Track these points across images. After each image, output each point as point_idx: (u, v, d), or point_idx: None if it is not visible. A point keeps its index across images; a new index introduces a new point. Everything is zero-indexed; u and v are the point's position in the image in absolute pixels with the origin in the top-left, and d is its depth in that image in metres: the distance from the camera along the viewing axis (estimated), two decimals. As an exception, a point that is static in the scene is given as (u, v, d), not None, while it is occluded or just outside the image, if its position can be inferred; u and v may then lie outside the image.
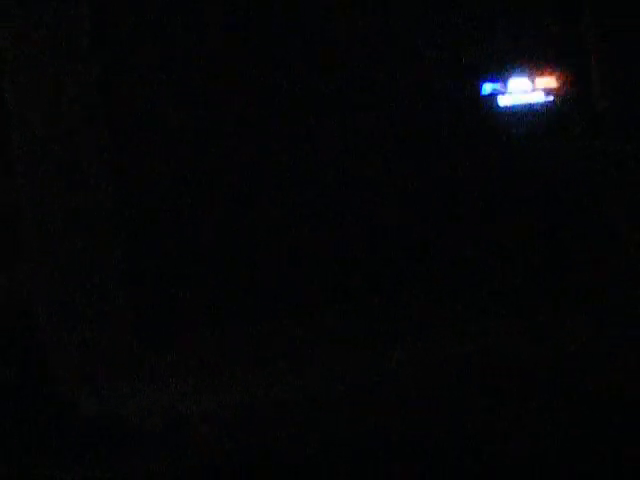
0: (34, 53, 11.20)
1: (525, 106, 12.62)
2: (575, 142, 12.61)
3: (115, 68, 11.69)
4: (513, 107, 12.60)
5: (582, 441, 6.46)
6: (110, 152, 11.45)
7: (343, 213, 11.97)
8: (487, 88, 12.55)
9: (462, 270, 11.89)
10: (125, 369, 10.85)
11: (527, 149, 12.52)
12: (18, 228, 11.18)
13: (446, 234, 12.07)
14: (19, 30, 11.18)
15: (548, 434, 6.71)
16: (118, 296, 11.28)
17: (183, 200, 11.74)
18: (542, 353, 9.27)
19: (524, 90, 12.62)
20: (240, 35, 11.92)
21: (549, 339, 9.81)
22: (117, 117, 11.64)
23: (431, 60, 12.22)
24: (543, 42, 12.61)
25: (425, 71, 12.23)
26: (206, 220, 11.77)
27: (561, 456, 6.26)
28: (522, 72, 12.60)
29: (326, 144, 11.99)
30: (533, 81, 12.63)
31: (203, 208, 11.77)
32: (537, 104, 12.64)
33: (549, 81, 12.66)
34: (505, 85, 12.58)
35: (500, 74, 12.56)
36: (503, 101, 12.58)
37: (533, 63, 12.60)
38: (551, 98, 12.65)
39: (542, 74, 12.62)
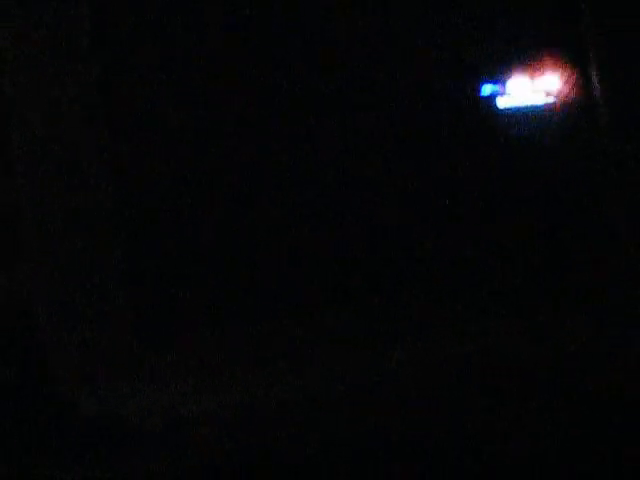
0: (34, 53, 11.21)
1: (524, 107, 12.63)
2: (575, 142, 12.61)
3: (115, 68, 11.69)
4: (512, 108, 12.61)
5: (582, 441, 6.47)
6: (110, 152, 11.45)
7: (343, 213, 11.97)
8: (486, 89, 12.55)
9: (462, 270, 11.90)
10: (125, 369, 10.86)
11: (527, 149, 12.52)
12: (18, 228, 11.18)
13: (446, 234, 12.08)
14: (19, 30, 11.18)
15: (548, 434, 6.72)
16: (118, 296, 11.28)
17: (183, 200, 11.74)
18: (542, 353, 9.27)
19: (523, 91, 12.62)
20: (240, 35, 11.93)
21: (549, 339, 9.81)
22: (117, 117, 11.65)
23: (431, 60, 12.22)
24: (543, 43, 12.61)
25: (425, 71, 12.24)
26: (206, 220, 11.77)
27: (561, 456, 6.26)
28: (521, 73, 12.60)
29: (326, 144, 11.99)
30: (532, 82, 12.63)
31: (203, 208, 11.77)
32: (536, 105, 12.65)
33: (549, 82, 12.66)
34: (504, 86, 12.59)
35: (499, 75, 12.57)
36: (502, 102, 12.59)
37: (532, 64, 12.61)
38: (551, 99, 12.66)
39: (542, 75, 12.63)
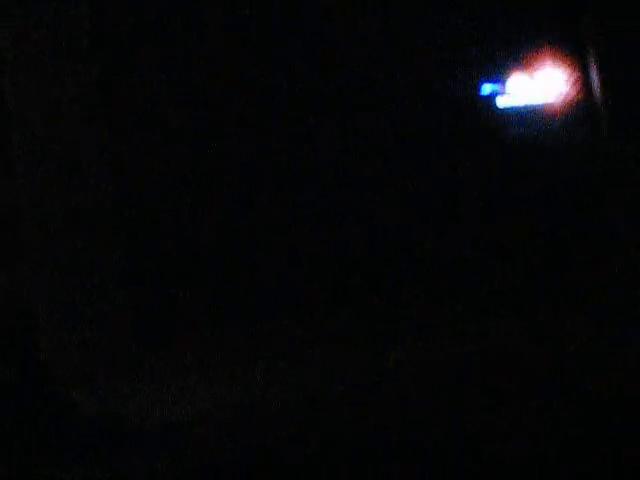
0: (34, 53, 11.21)
1: (524, 106, 12.63)
2: (575, 142, 12.61)
3: (115, 68, 11.69)
4: (512, 108, 12.61)
5: (582, 441, 6.47)
6: (110, 152, 11.46)
7: (343, 213, 11.97)
8: (486, 88, 12.55)
9: (462, 270, 11.90)
10: (125, 369, 10.86)
11: (526, 149, 12.52)
12: (18, 228, 11.18)
13: (446, 234, 12.08)
14: (19, 30, 11.19)
15: (548, 434, 6.72)
16: (118, 296, 11.29)
17: (183, 200, 11.74)
18: (542, 353, 9.27)
19: (523, 90, 12.62)
20: (240, 35, 11.93)
21: (549, 339, 9.81)
22: (117, 117, 11.65)
23: (431, 60, 12.22)
24: (543, 42, 12.61)
25: (425, 71, 12.24)
26: (206, 220, 11.77)
27: (561, 456, 6.26)
28: (521, 72, 12.60)
29: (326, 144, 11.99)
30: (532, 82, 12.63)
31: (203, 208, 11.78)
32: (536, 105, 12.65)
33: (548, 81, 12.66)
34: (504, 85, 12.58)
35: (499, 75, 12.56)
36: (502, 102, 12.59)
37: (532, 64, 12.61)
38: (550, 99, 12.66)
39: (541, 75, 12.63)
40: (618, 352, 8.67)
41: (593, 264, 11.75)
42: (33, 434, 8.26)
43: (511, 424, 7.07)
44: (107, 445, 7.88)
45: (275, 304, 11.56)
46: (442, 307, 11.42)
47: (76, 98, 11.27)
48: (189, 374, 10.38)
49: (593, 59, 12.58)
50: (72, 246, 11.15)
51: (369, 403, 8.32)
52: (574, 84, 12.67)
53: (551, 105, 12.65)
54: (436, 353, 9.83)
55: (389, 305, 11.58)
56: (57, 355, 10.65)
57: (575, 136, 12.63)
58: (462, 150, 12.27)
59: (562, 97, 12.66)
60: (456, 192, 12.23)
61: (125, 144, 11.64)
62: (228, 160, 11.85)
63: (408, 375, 9.09)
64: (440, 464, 6.37)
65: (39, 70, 11.19)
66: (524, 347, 9.67)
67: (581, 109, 12.68)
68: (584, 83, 12.65)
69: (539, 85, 12.63)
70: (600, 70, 12.54)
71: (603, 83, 12.52)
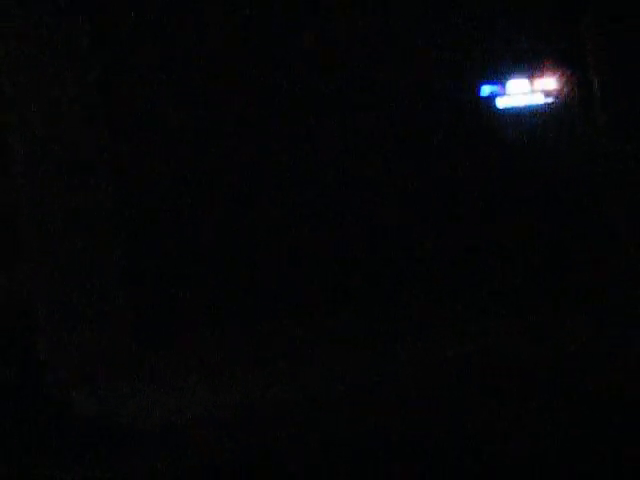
0: (34, 53, 11.20)
1: (524, 107, 12.62)
2: (575, 142, 12.61)
3: (115, 68, 11.69)
4: (512, 108, 12.61)
5: (582, 441, 6.47)
6: (110, 152, 11.45)
7: (343, 213, 11.97)
8: (486, 89, 12.55)
9: (462, 270, 11.90)
10: (125, 369, 10.85)
11: (526, 150, 12.52)
12: (18, 228, 11.18)
13: (446, 234, 12.08)
14: (19, 30, 11.18)
15: (548, 434, 6.72)
16: (118, 296, 11.28)
17: (183, 200, 11.74)
18: (542, 353, 9.27)
19: (523, 92, 12.62)
20: (240, 35, 11.92)
21: (549, 339, 9.81)
22: (117, 117, 11.64)
23: (431, 60, 12.22)
24: (542, 43, 12.61)
25: (425, 71, 12.24)
26: (206, 220, 11.77)
27: (561, 456, 6.26)
28: (521, 73, 12.60)
29: (326, 144, 11.99)
30: (532, 82, 12.63)
31: (203, 208, 11.77)
32: (536, 105, 12.65)
33: (548, 82, 12.66)
34: (504, 86, 12.58)
35: (499, 75, 12.56)
36: (502, 102, 12.58)
37: (532, 64, 12.60)
38: (550, 99, 12.66)
39: (541, 75, 12.63)
40: (618, 352, 8.67)
41: (593, 264, 11.75)
42: (33, 434, 8.26)
43: (511, 424, 7.06)
44: (107, 445, 7.88)
45: (275, 304, 11.56)
46: (442, 307, 11.42)
47: (76, 98, 11.26)
48: (189, 374, 10.37)
49: (592, 60, 12.58)
50: (72, 246, 11.14)
51: (369, 403, 8.32)
52: (573, 84, 12.67)
53: (551, 106, 12.65)
54: (436, 353, 9.83)
55: (389, 305, 11.57)
56: (57, 355, 10.64)
57: (575, 136, 12.63)
58: (462, 150, 12.27)
59: (562, 97, 12.66)
60: (456, 192, 12.23)
61: (125, 144, 11.64)
62: (228, 160, 11.85)
63: (408, 375, 9.09)
64: (440, 464, 6.37)
65: (39, 70, 11.18)
66: (524, 347, 9.67)
67: (581, 109, 12.68)
68: (583, 83, 12.64)
69: (539, 86, 12.63)
70: (599, 70, 12.54)
71: (602, 83, 12.52)
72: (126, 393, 9.91)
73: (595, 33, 12.49)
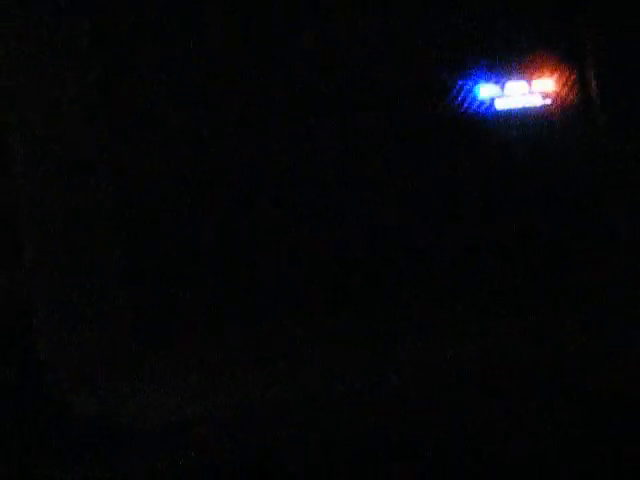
0: (34, 53, 11.20)
1: (523, 108, 12.62)
2: (574, 143, 12.61)
3: (115, 68, 11.69)
4: (511, 109, 12.60)
5: (582, 441, 6.47)
6: (110, 152, 11.45)
7: (343, 213, 11.97)
8: (485, 91, 12.54)
9: (462, 270, 11.90)
10: (125, 369, 10.85)
11: (526, 150, 12.52)
12: (18, 228, 11.18)
13: (446, 234, 12.08)
14: (19, 30, 11.18)
15: (548, 434, 6.72)
16: (118, 296, 11.28)
17: (183, 200, 11.74)
18: (542, 353, 9.27)
19: (522, 92, 12.62)
20: (240, 35, 11.92)
21: (549, 339, 9.81)
22: (117, 117, 11.64)
23: (430, 62, 12.22)
24: (541, 44, 12.61)
25: (424, 72, 12.24)
26: (206, 220, 11.77)
27: (561, 456, 6.26)
28: (520, 74, 12.60)
29: (326, 144, 11.99)
30: (531, 83, 12.63)
31: (203, 208, 11.77)
32: (535, 106, 12.64)
33: (547, 83, 12.66)
34: (503, 88, 12.58)
35: (498, 77, 12.56)
36: (501, 104, 12.58)
37: (531, 65, 12.60)
38: (549, 100, 12.65)
39: (540, 76, 12.62)
40: (618, 352, 8.68)
41: (593, 264, 11.75)
42: (33, 434, 8.26)
43: (511, 424, 7.07)
44: (107, 445, 7.88)
45: (275, 304, 11.56)
46: (442, 307, 11.42)
47: (76, 98, 11.26)
48: (189, 374, 10.37)
49: (591, 60, 12.58)
50: (72, 246, 11.14)
51: (369, 403, 8.32)
52: (573, 85, 12.67)
53: (550, 106, 12.65)
54: (436, 353, 9.83)
55: (389, 305, 11.57)
56: (57, 355, 10.64)
57: (575, 136, 12.63)
58: (462, 150, 12.28)
59: (561, 98, 12.66)
60: (456, 192, 12.23)
61: (125, 144, 11.64)
62: (228, 160, 11.84)
63: (408, 375, 9.09)
64: (440, 464, 6.38)
65: (39, 70, 11.18)
66: (524, 347, 9.67)
67: (580, 110, 12.68)
68: (583, 84, 12.64)
69: (538, 87, 12.63)
70: (598, 71, 12.54)
71: (602, 84, 12.52)
72: (126, 393, 9.91)
73: (595, 33, 12.49)
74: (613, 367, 8.19)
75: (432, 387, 8.50)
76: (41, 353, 9.67)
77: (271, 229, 11.80)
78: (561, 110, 12.66)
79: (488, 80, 12.50)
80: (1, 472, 7.62)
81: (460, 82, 12.38)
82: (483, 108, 12.50)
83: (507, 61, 12.54)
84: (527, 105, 12.61)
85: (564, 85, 12.65)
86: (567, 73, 12.65)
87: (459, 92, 12.38)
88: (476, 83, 12.46)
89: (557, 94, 12.64)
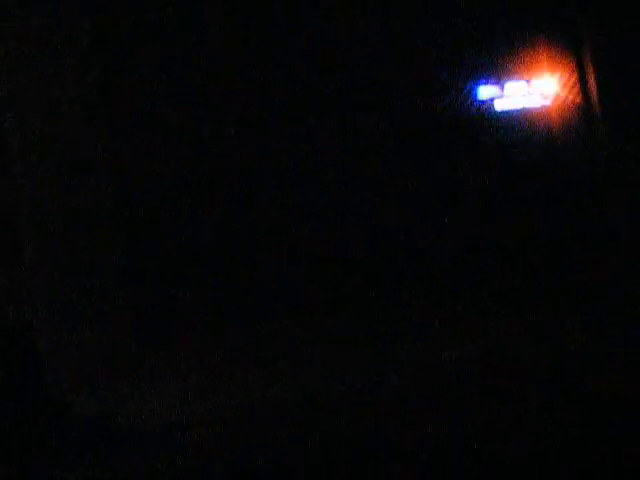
0: (34, 53, 11.21)
1: (523, 109, 12.62)
2: (574, 143, 12.61)
3: (115, 68, 11.69)
4: (511, 110, 12.60)
5: (582, 441, 6.47)
6: (110, 152, 11.45)
7: (343, 213, 11.97)
8: (485, 91, 12.54)
9: (462, 270, 11.90)
10: (125, 369, 10.86)
11: (526, 150, 12.52)
12: (18, 228, 11.18)
13: (446, 234, 12.08)
14: (19, 30, 11.19)
15: (548, 434, 6.72)
16: (118, 296, 11.28)
17: (183, 200, 11.74)
18: (542, 353, 9.27)
19: (521, 93, 12.62)
20: (240, 35, 11.92)
21: (549, 339, 9.81)
22: (117, 117, 11.65)
23: (430, 62, 12.22)
24: (541, 45, 12.61)
25: (424, 73, 12.24)
26: (206, 220, 11.77)
27: (561, 456, 6.26)
28: (519, 75, 12.60)
29: (326, 144, 11.99)
30: (531, 84, 12.63)
31: (203, 208, 11.77)
32: (535, 107, 12.64)
33: (547, 84, 12.66)
34: (502, 88, 12.58)
35: (497, 77, 12.56)
36: (500, 104, 12.58)
37: (530, 66, 12.60)
38: (549, 101, 12.65)
39: (540, 77, 12.62)
40: (618, 352, 8.67)
41: (593, 264, 11.75)
42: (33, 434, 8.26)
43: (511, 424, 7.07)
44: (107, 445, 7.89)
45: (275, 304, 11.56)
46: (442, 307, 11.42)
47: (76, 98, 11.27)
48: (189, 374, 10.37)
49: (590, 61, 12.58)
50: (72, 246, 11.15)
51: (369, 403, 8.32)
52: (573, 85, 12.67)
53: (550, 107, 12.65)
54: (436, 353, 9.83)
55: (389, 305, 11.57)
56: (57, 355, 10.64)
57: (574, 137, 12.62)
58: (462, 151, 12.28)
59: (561, 99, 12.66)
60: (456, 192, 12.23)
61: (125, 144, 11.64)
62: (228, 160, 11.84)
63: (408, 375, 9.09)
64: (440, 464, 6.37)
65: (39, 70, 11.19)
66: (524, 347, 9.67)
67: (580, 110, 12.67)
68: (583, 84, 12.64)
69: (538, 87, 12.63)
70: (598, 71, 12.53)
71: (601, 84, 12.52)
72: (126, 393, 9.92)
73: (595, 33, 12.49)
74: (613, 367, 8.19)
75: (432, 387, 8.49)
76: (41, 353, 9.66)
77: (271, 229, 11.80)
78: (561, 110, 12.66)
79: (488, 80, 12.50)
80: (1, 472, 7.62)
81: (460, 82, 12.38)
82: (483, 108, 12.50)
83: (507, 61, 12.54)
84: (527, 105, 12.60)
85: (564, 85, 12.65)
86: (567, 74, 12.65)
87: (459, 92, 12.39)
88: (476, 83, 12.47)
89: (558, 94, 12.64)
